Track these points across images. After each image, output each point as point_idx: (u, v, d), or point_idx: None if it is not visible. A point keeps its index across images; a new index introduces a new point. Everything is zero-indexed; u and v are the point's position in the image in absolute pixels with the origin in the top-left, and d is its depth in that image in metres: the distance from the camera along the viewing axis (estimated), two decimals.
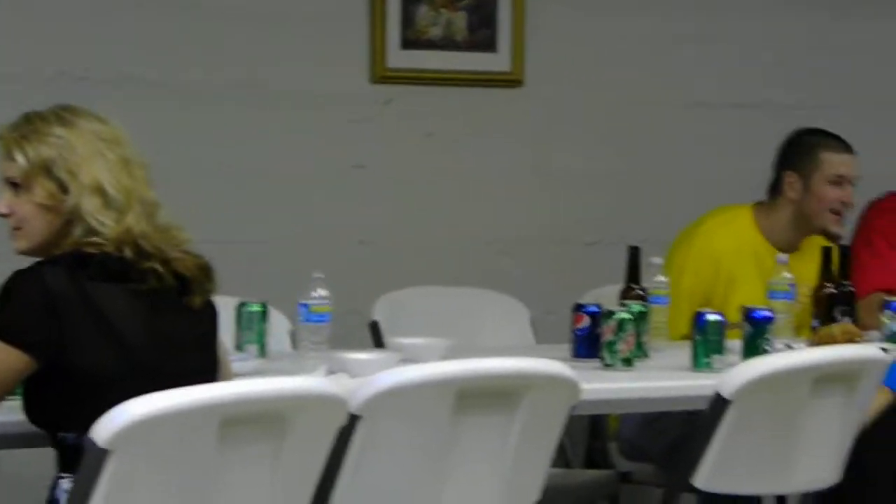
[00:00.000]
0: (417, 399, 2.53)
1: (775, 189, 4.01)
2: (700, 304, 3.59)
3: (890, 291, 3.92)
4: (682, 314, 3.59)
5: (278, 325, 3.51)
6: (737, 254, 3.89)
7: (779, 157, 4.03)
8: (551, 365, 2.67)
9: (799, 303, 3.77)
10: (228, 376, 2.64)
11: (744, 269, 3.89)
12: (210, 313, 2.60)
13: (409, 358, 3.03)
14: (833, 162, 3.94)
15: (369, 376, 2.56)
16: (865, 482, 3.25)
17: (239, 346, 3.20)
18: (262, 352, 3.23)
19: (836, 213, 3.94)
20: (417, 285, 4.14)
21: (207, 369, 2.55)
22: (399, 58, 4.58)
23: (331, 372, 2.94)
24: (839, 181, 3.94)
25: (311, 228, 4.52)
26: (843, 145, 3.98)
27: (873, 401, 3.06)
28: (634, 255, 3.60)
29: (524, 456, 2.64)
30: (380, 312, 3.91)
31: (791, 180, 3.96)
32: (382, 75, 4.57)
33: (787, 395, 2.83)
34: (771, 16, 5.00)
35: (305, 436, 2.37)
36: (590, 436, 4.04)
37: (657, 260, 3.65)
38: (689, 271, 3.90)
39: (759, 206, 4.03)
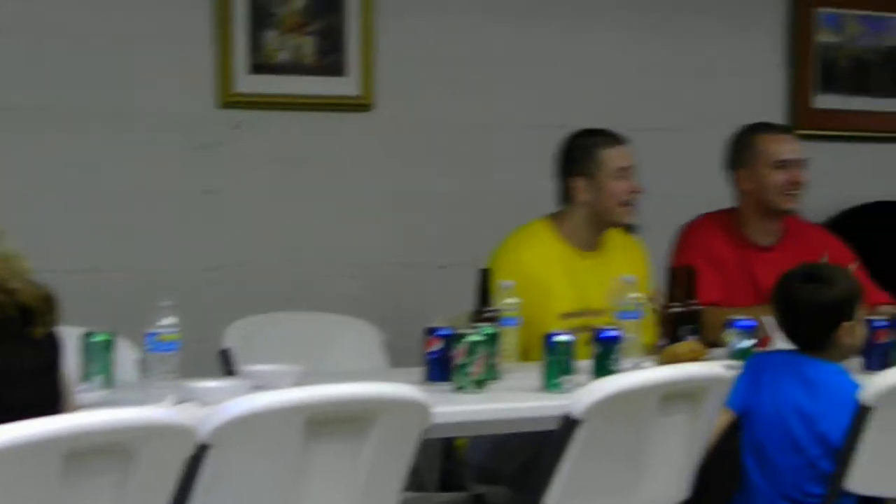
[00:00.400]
0: (267, 426, 2.50)
1: (565, 197, 4.09)
2: (523, 317, 3.67)
3: (715, 306, 4.04)
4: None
5: (126, 355, 3.45)
6: (543, 264, 3.96)
7: (560, 165, 4.10)
8: (402, 389, 2.66)
9: (618, 297, 3.87)
10: (72, 408, 2.58)
11: (555, 276, 3.96)
12: (52, 344, 2.54)
13: (261, 385, 3.00)
14: (613, 156, 4.03)
15: (218, 405, 2.52)
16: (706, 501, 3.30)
17: (85, 377, 3.14)
18: (109, 382, 3.17)
19: (627, 204, 4.04)
20: (269, 311, 4.10)
21: (48, 401, 2.50)
22: (247, 82, 4.56)
23: (179, 401, 2.89)
24: (623, 174, 4.03)
25: (160, 255, 4.46)
26: (616, 139, 4.08)
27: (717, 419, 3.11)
28: (485, 277, 3.61)
29: (376, 480, 2.63)
30: (231, 339, 3.86)
31: (578, 185, 4.04)
32: (230, 100, 4.54)
33: (635, 413, 2.85)
34: (602, 40, 5.08)
35: (152, 467, 2.33)
36: (443, 459, 4.04)
37: (507, 282, 3.66)
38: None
39: (554, 215, 4.10)
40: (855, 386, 3.17)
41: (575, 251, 4.05)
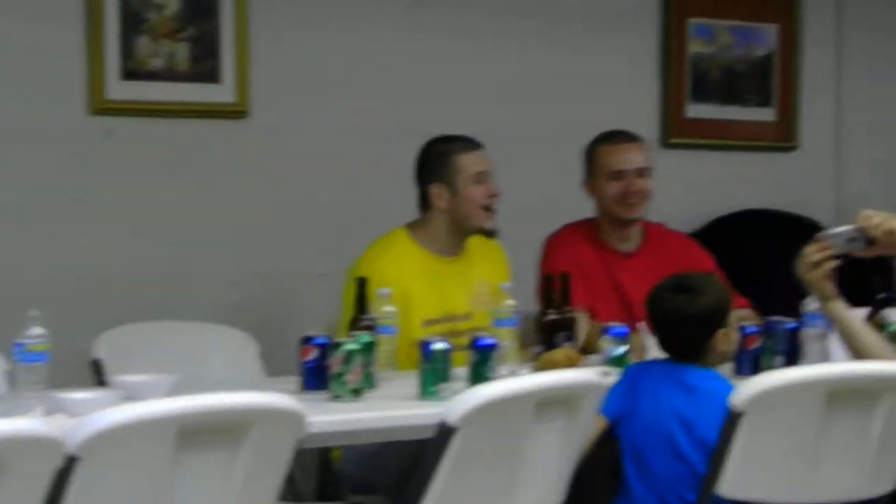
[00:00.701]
0: (138, 438, 2.46)
1: (423, 204, 4.10)
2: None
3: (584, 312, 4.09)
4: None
5: None
6: (404, 272, 3.96)
7: (418, 172, 4.11)
8: (276, 398, 2.64)
9: (481, 302, 3.90)
10: None
11: (415, 285, 3.96)
12: None
13: (133, 396, 2.95)
14: (470, 161, 4.05)
15: (87, 416, 2.47)
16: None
17: None
18: None
19: (487, 208, 4.06)
20: (142, 321, 4.05)
21: None
22: (119, 89, 4.50)
23: (48, 412, 2.84)
24: (480, 178, 4.05)
25: (28, 264, 4.38)
26: (472, 144, 4.10)
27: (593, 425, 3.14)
28: (362, 285, 3.60)
29: (250, 491, 2.60)
30: (102, 350, 3.80)
31: (437, 191, 4.05)
32: (102, 107, 4.48)
33: (510, 420, 2.86)
34: (476, 50, 5.11)
35: (19, 479, 2.29)
36: (320, 469, 4.02)
37: (385, 290, 3.66)
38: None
39: (411, 224, 4.11)
40: (731, 390, 3.22)
41: (435, 258, 4.05)
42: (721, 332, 3.32)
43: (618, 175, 4.30)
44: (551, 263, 4.25)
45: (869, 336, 3.62)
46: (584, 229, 4.39)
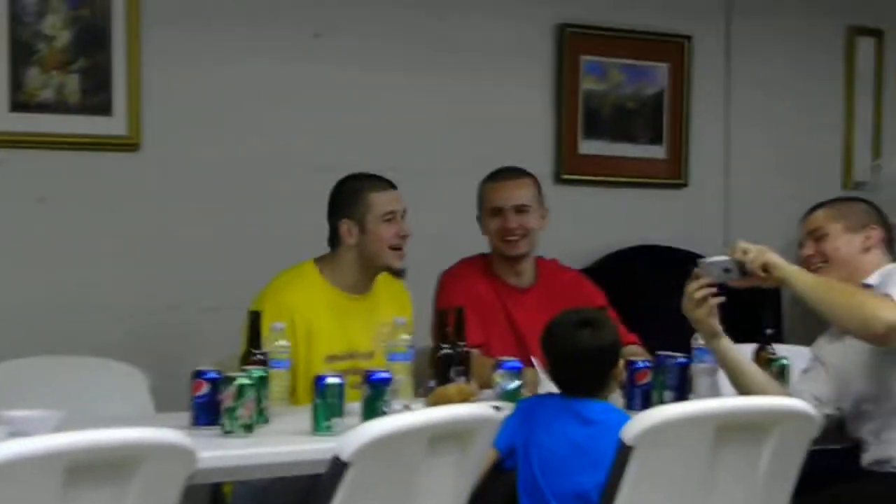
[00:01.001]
0: (24, 474, 2.41)
1: (334, 239, 4.10)
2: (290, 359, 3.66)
3: (479, 348, 4.11)
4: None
5: None
6: (309, 306, 3.95)
7: (330, 207, 4.13)
8: (166, 434, 2.60)
9: (384, 342, 3.88)
10: None
11: (320, 319, 3.95)
12: None
13: (19, 432, 2.91)
14: (382, 200, 4.07)
15: None
16: None
17: None
18: None
19: (396, 248, 4.07)
20: (29, 355, 3.98)
21: None
22: (8, 120, 4.44)
23: None
24: (391, 217, 4.07)
25: None
26: (386, 183, 4.13)
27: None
28: (255, 319, 3.58)
29: None
30: None
31: (347, 227, 4.06)
32: None
33: (404, 455, 2.85)
34: (377, 83, 5.12)
35: None
36: (211, 502, 3.98)
37: (279, 325, 3.64)
38: (269, 332, 3.91)
39: (320, 259, 4.11)
40: (628, 420, 3.25)
41: (341, 294, 4.05)
42: (619, 364, 3.36)
43: (497, 212, 4.36)
44: (446, 298, 4.27)
45: (756, 374, 3.68)
46: (479, 264, 4.42)
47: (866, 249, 3.72)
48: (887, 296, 3.50)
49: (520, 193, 4.39)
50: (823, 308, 3.57)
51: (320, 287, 4.03)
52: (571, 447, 3.27)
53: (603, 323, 3.36)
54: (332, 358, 3.94)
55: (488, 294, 4.33)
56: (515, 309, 4.32)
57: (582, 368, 3.33)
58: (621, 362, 3.42)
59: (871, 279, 3.63)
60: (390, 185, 4.12)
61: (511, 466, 3.33)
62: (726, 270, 3.67)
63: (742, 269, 3.66)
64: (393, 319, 3.85)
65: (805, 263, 3.76)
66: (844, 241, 3.73)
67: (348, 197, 4.09)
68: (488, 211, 4.38)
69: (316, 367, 3.82)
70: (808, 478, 3.28)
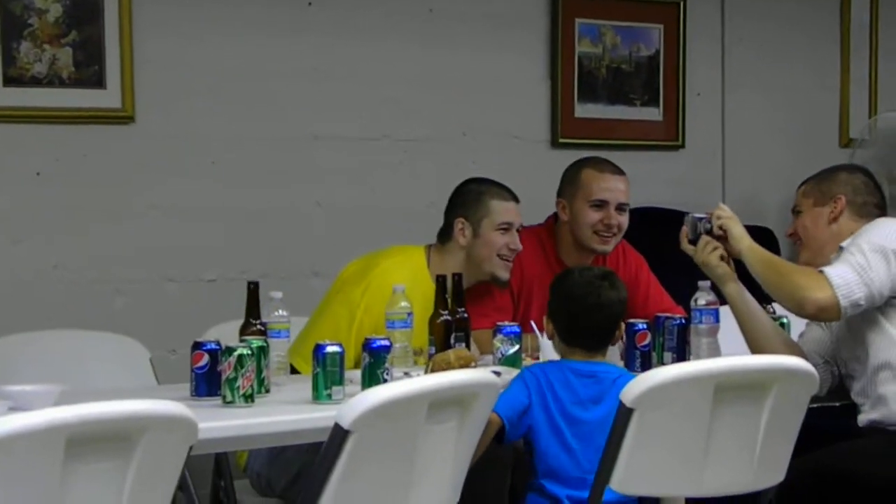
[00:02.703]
0: (25, 448, 2.41)
1: (446, 233, 4.10)
2: (354, 341, 3.66)
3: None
4: (355, 348, 3.61)
5: None
6: (411, 291, 3.91)
7: (450, 203, 4.13)
8: (166, 405, 2.61)
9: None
10: None
11: (415, 306, 3.92)
12: None
13: (19, 406, 2.91)
14: (501, 210, 4.07)
15: None
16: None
17: None
18: None
19: (505, 258, 4.06)
20: (27, 330, 3.99)
21: None
22: (1, 95, 4.42)
23: None
24: (507, 227, 4.06)
25: None
26: (509, 194, 4.12)
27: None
28: (254, 290, 3.58)
29: (141, 500, 2.57)
30: None
31: (461, 226, 4.06)
32: None
33: (404, 421, 2.86)
34: (369, 52, 5.10)
35: None
36: (214, 474, 3.99)
37: (277, 294, 3.64)
38: (363, 308, 3.90)
39: (431, 247, 4.11)
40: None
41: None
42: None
43: (600, 204, 4.27)
44: None
45: (764, 319, 3.70)
46: (541, 237, 4.34)
47: (833, 220, 3.75)
48: (821, 272, 3.52)
49: (625, 191, 4.32)
50: (767, 286, 3.65)
51: (423, 277, 3.99)
52: (586, 409, 3.27)
53: (615, 276, 3.37)
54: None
55: (542, 272, 4.22)
56: None
57: (604, 322, 3.31)
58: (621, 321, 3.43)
59: (845, 243, 3.65)
60: (513, 197, 4.11)
61: (514, 439, 3.32)
62: (704, 228, 3.76)
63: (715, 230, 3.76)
64: (392, 286, 3.85)
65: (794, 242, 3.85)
66: (811, 217, 3.80)
67: (471, 197, 4.08)
68: (589, 200, 4.27)
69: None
70: (808, 435, 3.29)
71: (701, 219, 3.82)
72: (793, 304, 3.57)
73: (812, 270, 3.59)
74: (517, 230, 4.08)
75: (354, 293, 3.93)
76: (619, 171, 4.35)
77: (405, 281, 3.90)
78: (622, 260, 4.39)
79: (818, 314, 3.55)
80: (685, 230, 3.84)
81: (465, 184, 4.16)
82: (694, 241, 3.80)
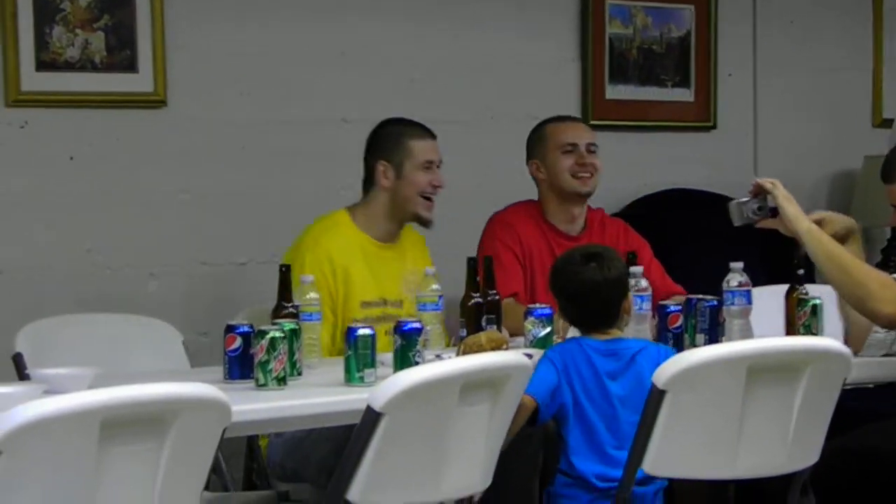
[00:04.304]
0: (60, 431, 2.44)
1: (368, 181, 4.13)
2: (325, 305, 3.71)
3: (516, 297, 4.12)
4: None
5: None
6: (346, 253, 3.98)
7: (368, 148, 4.16)
8: (200, 388, 2.62)
9: (412, 290, 3.93)
10: None
11: (355, 265, 3.99)
12: None
13: (54, 389, 2.92)
14: (422, 148, 4.10)
15: (8, 410, 2.45)
16: (508, 486, 3.34)
17: None
18: None
19: (427, 198, 4.09)
20: (63, 314, 4.01)
21: None
22: (34, 80, 4.44)
23: None
24: (428, 166, 4.09)
25: None
26: (427, 132, 4.15)
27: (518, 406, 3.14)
28: (285, 273, 3.59)
29: (175, 482, 2.59)
30: (22, 344, 3.75)
31: (383, 168, 4.08)
32: (17, 98, 4.42)
33: (436, 404, 2.86)
34: (396, 34, 5.10)
35: None
36: (247, 457, 4.01)
37: (308, 277, 3.65)
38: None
39: (351, 208, 4.14)
40: (668, 351, 3.32)
41: (373, 242, 4.08)
42: (629, 297, 3.39)
43: (572, 147, 4.39)
44: (493, 242, 4.28)
45: (855, 261, 3.59)
46: (529, 210, 4.43)
47: None
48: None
49: (590, 134, 4.47)
50: (831, 280, 3.56)
51: (354, 234, 4.06)
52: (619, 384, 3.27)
53: (608, 256, 3.37)
54: (366, 304, 3.98)
55: (538, 240, 4.34)
56: None
57: (590, 303, 3.33)
58: (630, 295, 3.43)
59: None
60: (431, 135, 4.15)
61: (546, 419, 3.32)
62: (760, 209, 3.67)
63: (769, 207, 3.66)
64: (424, 269, 3.86)
65: None
66: None
67: (389, 140, 4.11)
68: (559, 147, 4.40)
69: (352, 313, 3.89)
70: (842, 416, 3.28)
71: (745, 202, 3.71)
72: (861, 310, 3.49)
73: (886, 278, 3.51)
74: (438, 166, 4.12)
75: (293, 270, 3.88)
76: (580, 120, 4.57)
77: (335, 241, 3.98)
78: (622, 240, 4.41)
79: (890, 326, 3.50)
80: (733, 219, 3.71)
81: (381, 126, 4.17)
82: (745, 228, 3.71)
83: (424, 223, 4.13)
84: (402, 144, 4.07)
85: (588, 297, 3.33)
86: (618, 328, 3.38)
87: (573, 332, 3.47)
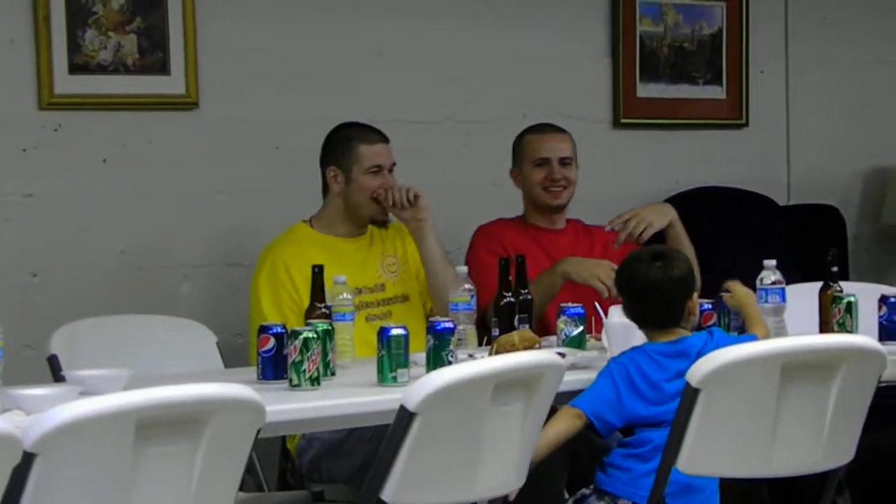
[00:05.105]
0: (96, 432, 2.45)
1: (324, 187, 4.21)
2: (287, 317, 3.78)
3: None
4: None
5: None
6: (302, 255, 4.01)
7: (322, 153, 4.22)
8: (234, 389, 2.63)
9: (391, 272, 4.07)
10: None
11: (310, 266, 3.99)
12: None
13: (89, 391, 2.94)
14: (369, 154, 4.15)
15: (44, 412, 2.46)
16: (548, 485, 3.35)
17: None
18: None
19: (377, 201, 4.14)
20: (97, 315, 4.03)
21: None
22: (67, 83, 4.46)
23: (4, 409, 2.82)
24: (377, 170, 4.14)
25: None
26: (378, 135, 4.19)
27: (550, 408, 3.14)
28: (318, 273, 3.60)
29: (210, 482, 2.60)
30: (58, 345, 3.78)
31: (334, 174, 4.15)
32: (50, 101, 4.44)
33: (469, 403, 2.87)
34: (427, 32, 5.10)
35: None
36: (281, 457, 4.02)
37: (341, 278, 3.65)
38: (266, 294, 4.02)
39: (310, 218, 4.22)
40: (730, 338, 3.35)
41: (336, 239, 4.15)
42: (694, 296, 3.39)
43: (543, 162, 4.43)
44: (476, 254, 4.33)
45: None
46: (514, 221, 4.52)
47: None
48: None
49: (564, 146, 4.48)
50: None
51: (312, 238, 4.13)
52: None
53: (674, 256, 3.40)
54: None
55: (525, 242, 4.37)
56: (552, 248, 4.41)
57: (653, 301, 3.34)
58: (695, 296, 3.43)
59: None
60: (382, 139, 4.19)
61: (608, 434, 3.33)
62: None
63: None
64: (459, 269, 3.89)
65: None
66: None
67: (338, 145, 4.18)
68: (532, 161, 4.45)
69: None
70: (878, 414, 3.27)
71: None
72: None
73: None
74: (389, 170, 4.16)
75: (256, 285, 4.05)
76: (559, 130, 4.52)
77: (291, 248, 4.04)
78: (584, 235, 4.46)
79: None
80: None
81: (333, 132, 4.23)
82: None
83: (379, 225, 4.19)
84: (351, 149, 4.14)
85: (651, 296, 3.35)
86: (682, 327, 3.38)
87: (613, 334, 3.48)
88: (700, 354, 3.22)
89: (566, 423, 3.28)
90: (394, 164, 4.19)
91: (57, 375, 3.68)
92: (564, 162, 4.44)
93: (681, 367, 3.26)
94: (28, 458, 2.38)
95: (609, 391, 3.29)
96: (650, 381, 3.30)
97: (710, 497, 3.33)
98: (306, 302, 3.61)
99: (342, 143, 4.16)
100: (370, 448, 3.45)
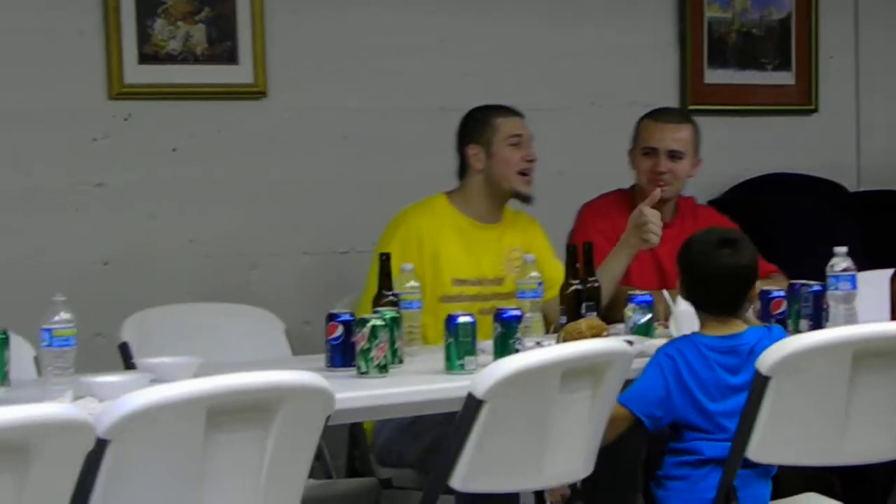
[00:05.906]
0: (167, 419, 2.47)
1: (463, 168, 4.15)
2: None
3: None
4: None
5: (22, 352, 3.39)
6: (435, 230, 4.01)
7: (458, 136, 4.18)
8: (304, 376, 2.65)
9: (513, 268, 3.97)
10: None
11: (447, 243, 4.01)
12: None
13: (160, 378, 2.97)
14: (507, 125, 4.10)
15: (116, 399, 2.49)
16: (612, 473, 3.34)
17: None
18: (4, 380, 3.11)
19: (523, 173, 4.08)
20: (168, 303, 4.06)
21: None
22: (137, 73, 4.50)
23: (78, 397, 2.85)
24: (518, 141, 4.09)
25: (53, 250, 4.40)
26: (512, 111, 4.16)
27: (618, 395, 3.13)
28: (386, 261, 3.61)
29: (281, 469, 2.62)
30: (129, 333, 3.81)
31: (474, 152, 4.10)
32: (120, 91, 4.49)
33: (537, 391, 2.87)
34: (494, 23, 5.09)
35: (52, 464, 2.30)
36: (350, 445, 4.04)
37: (408, 266, 3.66)
38: (395, 256, 3.95)
39: (450, 192, 4.16)
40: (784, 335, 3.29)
41: (471, 222, 4.10)
42: (755, 286, 3.34)
43: (650, 151, 4.30)
44: (584, 230, 4.26)
45: None
46: (620, 199, 4.38)
47: None
48: None
49: (677, 138, 4.31)
50: None
51: (449, 214, 4.09)
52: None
53: (741, 243, 3.32)
54: (459, 282, 4.00)
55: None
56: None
57: (717, 288, 3.29)
58: (757, 284, 3.38)
59: None
60: (516, 113, 4.15)
61: (655, 428, 3.29)
62: None
63: None
64: (518, 251, 3.87)
65: None
66: None
67: (475, 123, 4.14)
68: (641, 149, 4.32)
69: (443, 290, 3.91)
70: None
71: None
72: None
73: None
74: (528, 142, 4.11)
75: (382, 247, 3.97)
76: (677, 119, 4.38)
77: (427, 220, 4.01)
78: (691, 220, 4.35)
79: None
80: None
81: (467, 115, 4.19)
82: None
83: (524, 199, 4.12)
84: (489, 124, 4.10)
85: (716, 282, 3.28)
86: (738, 316, 3.33)
87: (681, 320, 3.44)
88: (753, 352, 3.19)
89: (618, 429, 3.21)
90: (531, 136, 4.13)
91: (128, 363, 3.72)
92: (674, 155, 4.28)
93: (730, 363, 3.24)
94: (101, 445, 2.40)
95: (659, 389, 3.23)
96: (699, 379, 3.25)
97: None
98: (429, 275, 3.62)
99: (478, 121, 4.13)
100: (440, 430, 3.46)
